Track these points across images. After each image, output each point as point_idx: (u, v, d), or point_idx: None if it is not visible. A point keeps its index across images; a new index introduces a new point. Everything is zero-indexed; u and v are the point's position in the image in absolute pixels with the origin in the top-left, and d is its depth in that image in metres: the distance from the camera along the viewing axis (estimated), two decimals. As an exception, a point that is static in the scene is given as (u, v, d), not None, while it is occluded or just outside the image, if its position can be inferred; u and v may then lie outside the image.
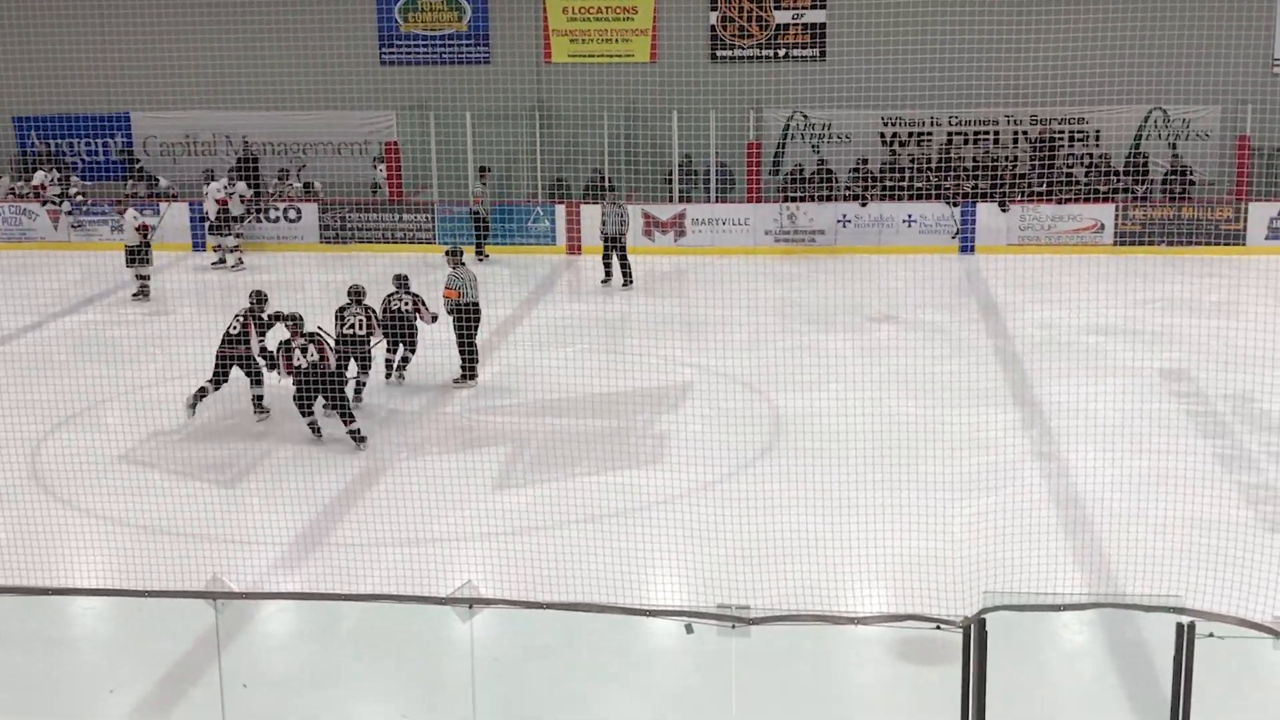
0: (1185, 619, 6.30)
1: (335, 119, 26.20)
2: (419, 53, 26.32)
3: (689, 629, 6.93)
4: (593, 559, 9.72)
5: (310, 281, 21.45)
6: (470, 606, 7.07)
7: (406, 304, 15.55)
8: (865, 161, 24.67)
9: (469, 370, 15.67)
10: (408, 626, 8.47)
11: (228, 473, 13.02)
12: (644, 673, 8.45)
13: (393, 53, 26.37)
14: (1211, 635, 6.26)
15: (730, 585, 9.08)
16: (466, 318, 15.65)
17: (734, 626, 6.76)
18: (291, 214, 24.88)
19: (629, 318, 18.88)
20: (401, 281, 15.67)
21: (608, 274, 21.52)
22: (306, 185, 25.54)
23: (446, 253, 16.44)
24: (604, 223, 21.51)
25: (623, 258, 21.47)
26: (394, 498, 11.77)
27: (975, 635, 6.53)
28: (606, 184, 23.60)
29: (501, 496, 12.16)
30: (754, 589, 8.70)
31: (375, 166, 25.79)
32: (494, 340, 17.61)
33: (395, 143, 25.46)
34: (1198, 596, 7.55)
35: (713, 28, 25.70)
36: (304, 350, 13.71)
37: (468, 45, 26.20)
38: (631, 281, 21.39)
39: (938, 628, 6.68)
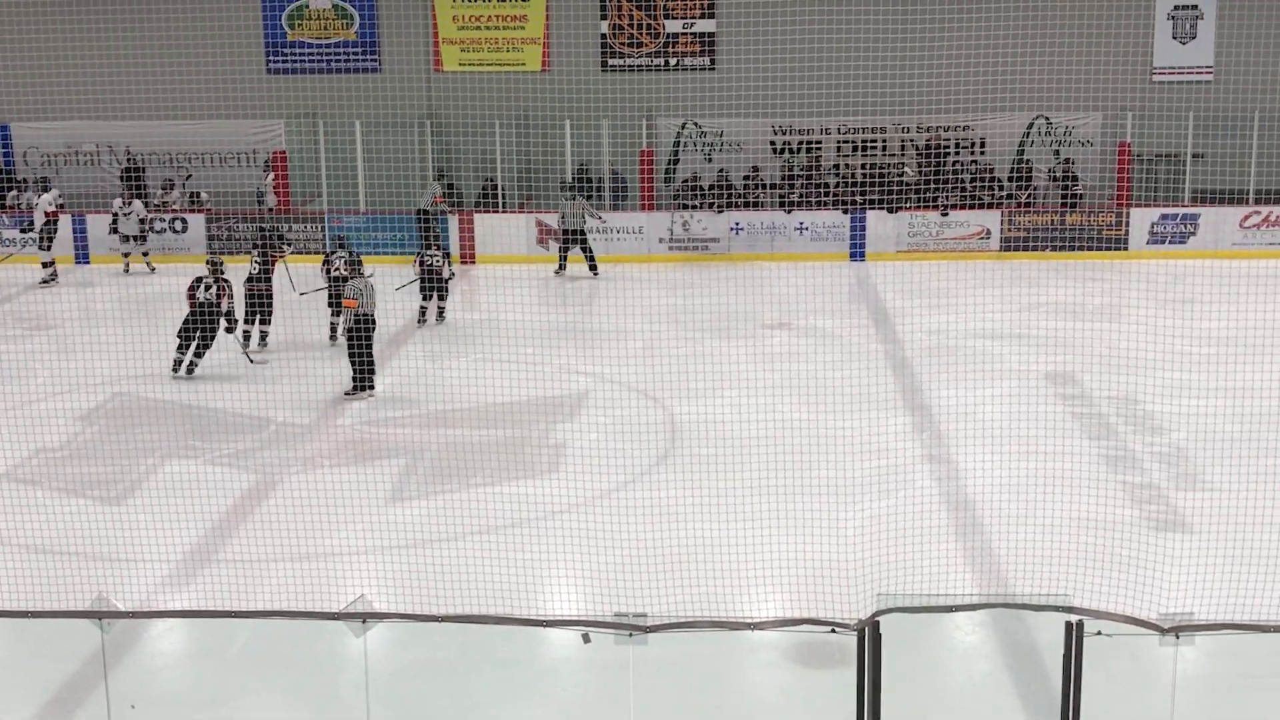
0: (1074, 618, 6.40)
1: (222, 128, 25.79)
2: (307, 61, 26.03)
3: (586, 638, 6.89)
4: (489, 570, 9.65)
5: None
6: (364, 621, 6.98)
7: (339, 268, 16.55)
8: (757, 169, 24.85)
9: (365, 381, 15.50)
10: (300, 643, 8.33)
11: (113, 489, 12.73)
12: (542, 684, 8.40)
13: (280, 61, 26.05)
14: (1100, 633, 6.37)
15: (628, 593, 9.06)
16: (363, 328, 15.50)
17: (631, 635, 6.74)
18: (178, 225, 24.44)
19: (525, 327, 18.80)
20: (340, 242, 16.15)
21: (562, 266, 22.76)
22: (193, 196, 25.11)
23: (346, 262, 16.29)
24: (563, 218, 22.61)
25: (586, 250, 22.61)
26: (286, 512, 11.59)
27: (869, 638, 6.58)
28: (565, 182, 23.85)
29: (396, 509, 12.03)
30: (651, 597, 8.69)
31: (265, 176, 25.44)
32: (389, 351, 17.44)
33: (283, 152, 25.13)
34: (1086, 595, 7.69)
35: (604, 36, 25.74)
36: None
37: (357, 53, 25.97)
38: (597, 271, 22.67)
39: (833, 631, 6.73)
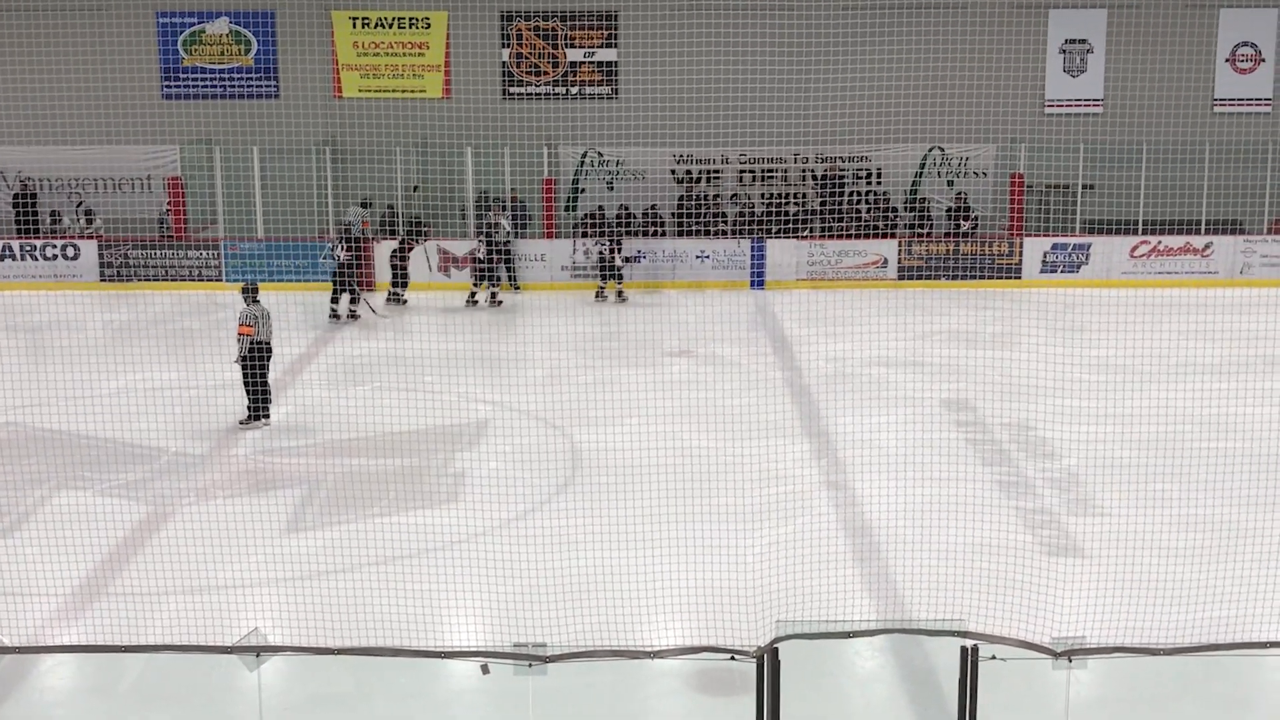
0: (969, 642, 6.48)
1: (116, 154, 25.35)
2: (203, 86, 25.72)
3: (485, 669, 6.84)
4: (387, 602, 9.54)
5: (92, 321, 20.69)
6: (257, 655, 6.86)
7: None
8: (658, 197, 24.98)
9: (261, 410, 15.29)
10: (193, 677, 8.18)
11: (2, 522, 12.41)
12: (440, 716, 8.31)
13: (175, 86, 25.71)
14: (994, 657, 6.46)
15: (528, 623, 9.02)
16: (259, 356, 15.29)
17: (530, 665, 6.70)
18: (70, 252, 23.97)
19: (426, 355, 18.68)
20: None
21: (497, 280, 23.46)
22: (87, 220, 24.66)
23: (242, 289, 16.04)
24: (490, 238, 23.17)
25: (510, 267, 23.47)
26: (179, 544, 11.37)
27: (768, 665, 6.60)
28: (490, 202, 24.19)
29: (292, 540, 11.86)
30: (552, 626, 8.65)
31: (166, 204, 25.04)
32: (285, 379, 17.23)
33: (179, 178, 24.78)
34: (982, 620, 7.79)
35: (505, 64, 25.74)
36: None
37: (254, 79, 25.71)
38: (518, 287, 23.80)
39: (732, 658, 6.74)
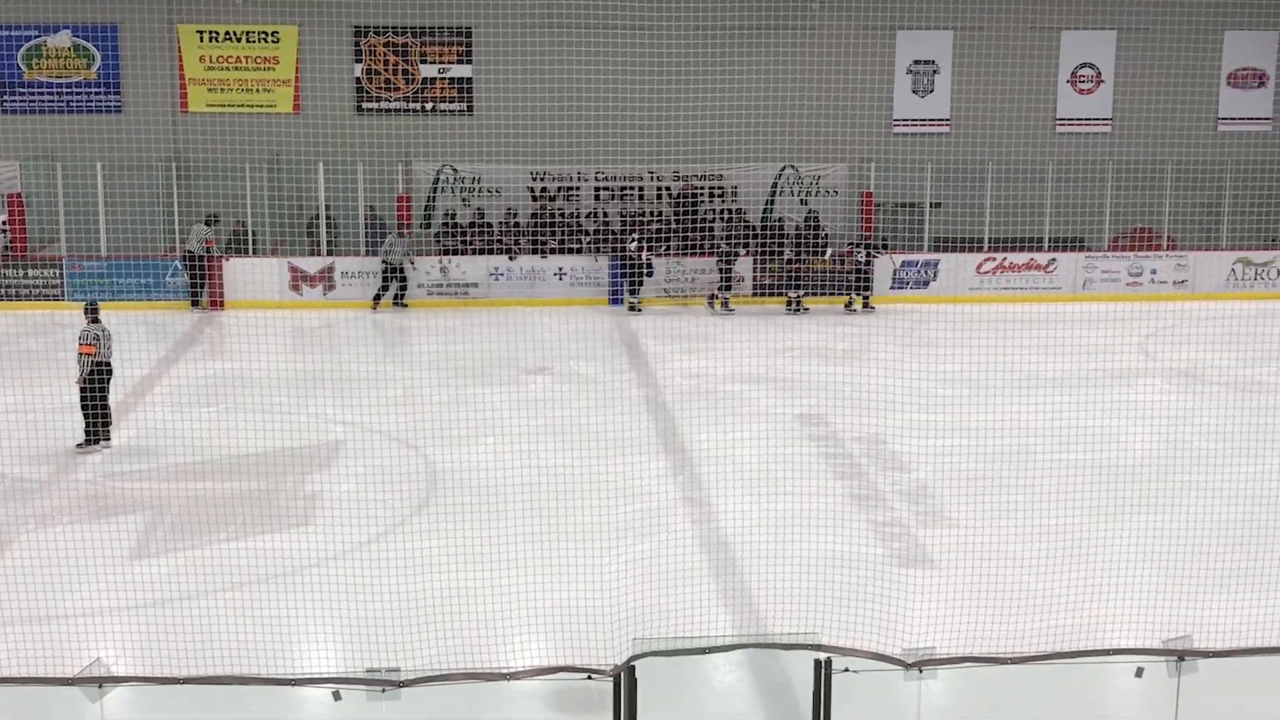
0: (822, 655, 6.52)
1: (-49, 169, 24.50)
2: (44, 101, 24.97)
3: (336, 696, 6.70)
4: (236, 628, 9.31)
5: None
6: (100, 685, 6.63)
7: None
8: (515, 214, 24.89)
9: (100, 433, 14.83)
10: (33, 710, 7.87)
11: None
12: (292, 744, 8.12)
13: (15, 101, 24.92)
14: (847, 670, 6.51)
15: (381, 648, 8.86)
16: (99, 376, 14.84)
17: (384, 690, 6.58)
18: (-99, 270, 23.08)
19: (276, 374, 18.33)
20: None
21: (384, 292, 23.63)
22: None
23: (85, 309, 15.55)
24: (388, 253, 23.48)
25: (403, 283, 23.52)
26: (18, 572, 10.95)
27: (625, 683, 6.57)
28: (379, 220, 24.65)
29: (137, 567, 11.50)
30: (406, 650, 8.52)
31: (4, 221, 24.22)
32: (130, 401, 16.75)
33: (19, 194, 24.00)
34: (836, 632, 7.85)
35: (358, 80, 25.45)
36: None
37: (98, 93, 25.03)
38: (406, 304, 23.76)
39: (589, 678, 6.69)
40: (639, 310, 23.41)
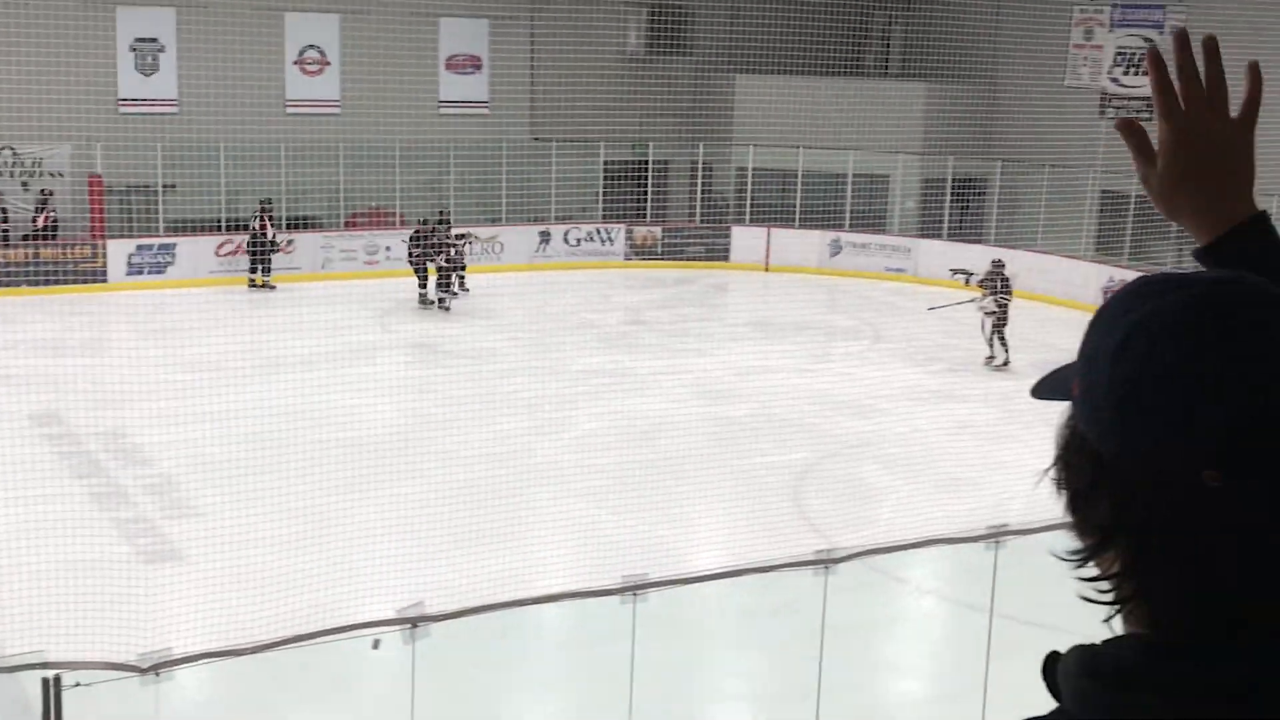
0: (50, 673, 6.06)
1: None
2: None
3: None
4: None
5: None
6: None
7: None
8: None
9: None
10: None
11: None
12: None
13: None
14: (78, 684, 6.10)
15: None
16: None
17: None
18: None
19: None
20: None
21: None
22: None
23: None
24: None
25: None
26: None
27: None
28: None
29: None
30: None
31: None
32: None
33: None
34: (75, 644, 7.39)
35: None
36: None
37: None
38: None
39: None
40: None
